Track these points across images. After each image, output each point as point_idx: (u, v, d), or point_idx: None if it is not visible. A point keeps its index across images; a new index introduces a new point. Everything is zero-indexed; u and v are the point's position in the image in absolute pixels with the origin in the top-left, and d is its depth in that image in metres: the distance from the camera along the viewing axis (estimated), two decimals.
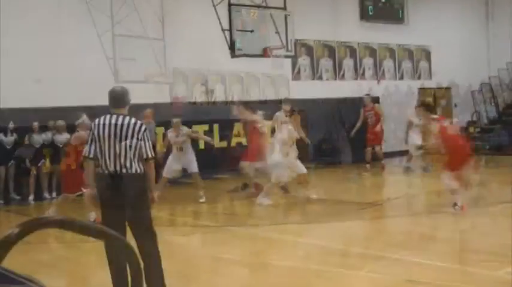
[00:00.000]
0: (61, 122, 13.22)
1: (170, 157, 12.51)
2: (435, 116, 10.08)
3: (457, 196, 9.46)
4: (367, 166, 16.30)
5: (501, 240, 7.70)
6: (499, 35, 23.94)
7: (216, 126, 16.21)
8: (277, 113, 12.95)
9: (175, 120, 12.43)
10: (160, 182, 12.24)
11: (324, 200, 12.06)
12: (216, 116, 16.15)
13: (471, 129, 17.16)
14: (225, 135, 16.49)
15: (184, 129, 12.43)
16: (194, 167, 12.44)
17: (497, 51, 23.87)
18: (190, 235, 9.93)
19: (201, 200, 12.30)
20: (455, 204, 9.46)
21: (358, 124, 16.46)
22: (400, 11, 21.31)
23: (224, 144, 16.39)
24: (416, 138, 15.19)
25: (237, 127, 16.29)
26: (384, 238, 8.88)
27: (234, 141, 16.61)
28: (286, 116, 12.81)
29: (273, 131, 13.13)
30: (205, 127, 15.83)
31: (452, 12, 23.30)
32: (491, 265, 6.79)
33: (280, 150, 11.62)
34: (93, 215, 9.79)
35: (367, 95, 17.19)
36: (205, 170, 13.22)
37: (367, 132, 16.44)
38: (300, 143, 12.73)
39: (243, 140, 15.66)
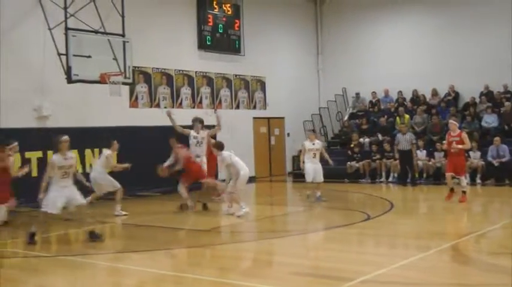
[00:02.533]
0: None
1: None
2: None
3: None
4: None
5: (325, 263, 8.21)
6: (328, 69, 25.50)
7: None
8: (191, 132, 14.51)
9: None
10: None
11: (163, 228, 12.20)
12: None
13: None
14: None
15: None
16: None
17: (327, 84, 25.41)
18: (18, 266, 9.53)
19: None
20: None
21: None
22: (237, 42, 22.04)
23: None
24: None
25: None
26: (218, 264, 9.09)
27: None
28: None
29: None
30: (39, 154, 15.13)
31: (286, 45, 24.49)
32: None
33: None
34: None
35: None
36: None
37: None
38: None
39: None
